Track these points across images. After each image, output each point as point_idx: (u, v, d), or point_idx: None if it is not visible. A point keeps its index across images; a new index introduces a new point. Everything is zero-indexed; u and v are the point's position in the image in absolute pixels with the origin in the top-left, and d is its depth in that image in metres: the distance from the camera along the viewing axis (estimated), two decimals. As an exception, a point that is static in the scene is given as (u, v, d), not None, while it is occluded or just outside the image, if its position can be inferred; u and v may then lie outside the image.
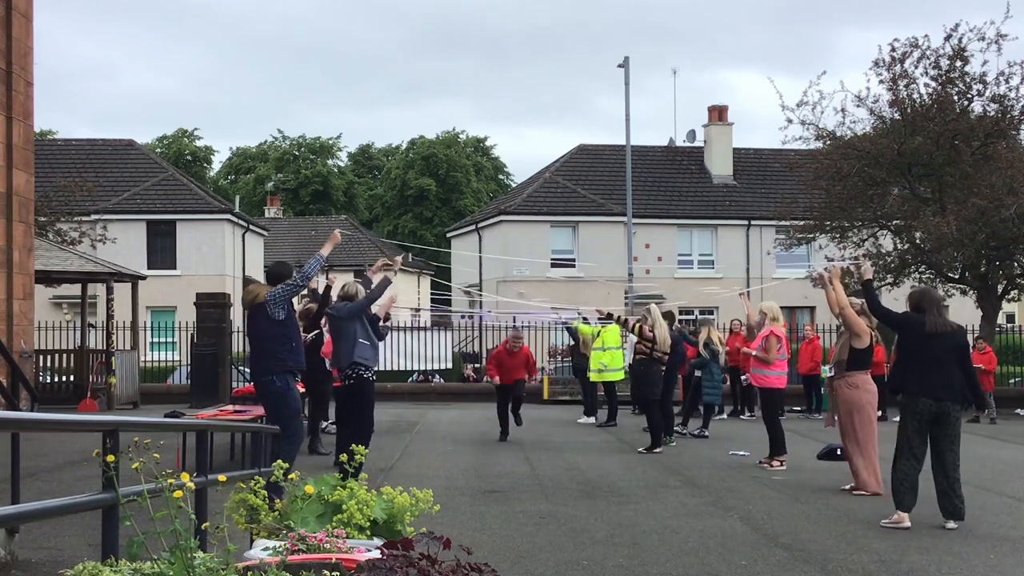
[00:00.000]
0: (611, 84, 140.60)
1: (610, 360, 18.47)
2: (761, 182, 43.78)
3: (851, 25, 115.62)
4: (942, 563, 7.35)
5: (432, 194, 71.96)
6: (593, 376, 18.98)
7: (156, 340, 31.94)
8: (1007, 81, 25.37)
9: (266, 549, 4.25)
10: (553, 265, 40.66)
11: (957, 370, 8.78)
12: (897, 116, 26.33)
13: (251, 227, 46.33)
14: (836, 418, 10.93)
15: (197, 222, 41.50)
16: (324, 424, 14.72)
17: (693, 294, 36.66)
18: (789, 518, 9.10)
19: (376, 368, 11.36)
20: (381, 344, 11.76)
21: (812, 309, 37.61)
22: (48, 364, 23.12)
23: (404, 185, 73.04)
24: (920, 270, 27.10)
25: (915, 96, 25.93)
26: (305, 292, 13.87)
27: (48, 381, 22.64)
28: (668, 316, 16.33)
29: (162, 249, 41.06)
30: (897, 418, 9.39)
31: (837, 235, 28.07)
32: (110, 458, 4.45)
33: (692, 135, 46.12)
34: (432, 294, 47.92)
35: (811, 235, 28.98)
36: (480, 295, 39.05)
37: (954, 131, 25.11)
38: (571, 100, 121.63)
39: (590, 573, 6.97)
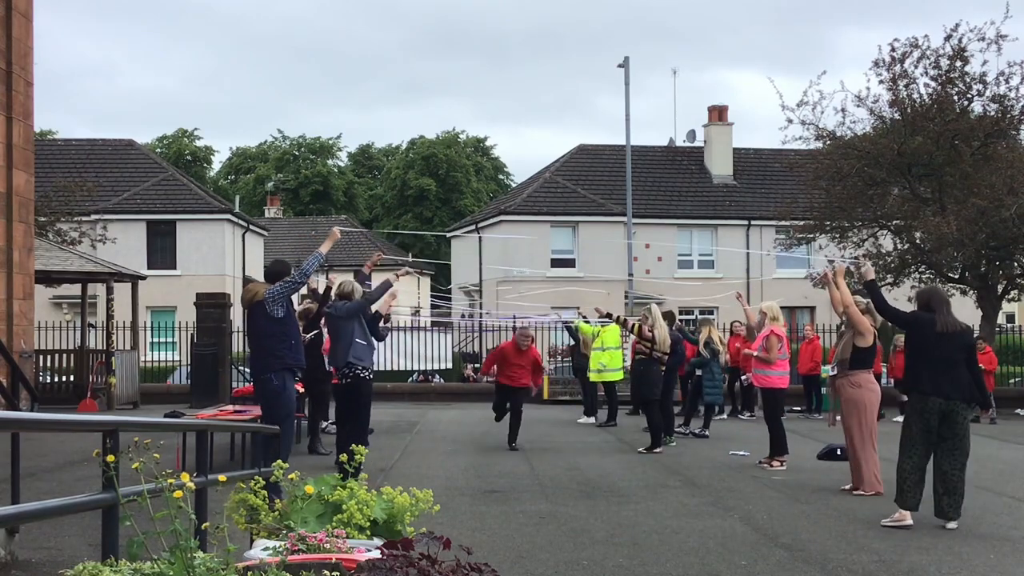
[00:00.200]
0: (611, 84, 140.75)
1: (609, 360, 18.49)
2: (761, 182, 43.77)
3: (851, 25, 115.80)
4: (942, 563, 7.35)
5: (432, 194, 71.87)
6: (593, 376, 19.01)
7: (156, 340, 31.91)
8: (1007, 81, 25.43)
9: (266, 549, 4.25)
10: (553, 265, 40.68)
11: (965, 370, 8.79)
12: (897, 116, 26.34)
13: (251, 227, 46.31)
14: (838, 417, 10.92)
15: (197, 222, 41.48)
16: (324, 424, 14.71)
17: (693, 293, 36.66)
18: (789, 518, 9.10)
19: (373, 368, 11.36)
20: (381, 344, 11.77)
21: (812, 309, 37.63)
22: (48, 364, 23.11)
23: (404, 185, 72.95)
24: (920, 270, 27.12)
25: (915, 96, 25.95)
26: (305, 292, 13.87)
27: (48, 381, 22.63)
28: (668, 316, 16.34)
29: (162, 249, 41.03)
30: (896, 418, 9.40)
31: (837, 235, 28.08)
32: (110, 458, 4.45)
33: (692, 135, 46.11)
34: (432, 296, 47.91)
35: (811, 235, 28.99)
36: (480, 299, 39.02)
37: (954, 131, 25.12)
38: (571, 100, 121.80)
39: (590, 573, 6.97)
